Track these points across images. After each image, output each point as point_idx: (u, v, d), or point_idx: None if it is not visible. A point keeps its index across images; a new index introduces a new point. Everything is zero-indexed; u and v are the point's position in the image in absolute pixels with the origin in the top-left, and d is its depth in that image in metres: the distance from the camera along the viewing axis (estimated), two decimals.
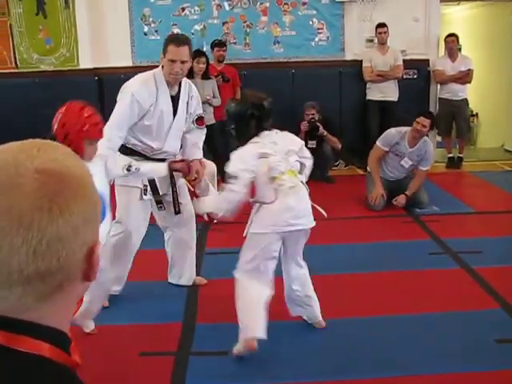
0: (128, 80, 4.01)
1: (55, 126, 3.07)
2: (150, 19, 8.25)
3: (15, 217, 0.79)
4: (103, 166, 3.37)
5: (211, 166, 6.16)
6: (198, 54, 7.15)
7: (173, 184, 4.11)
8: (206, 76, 7.10)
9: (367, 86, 8.23)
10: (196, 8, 8.27)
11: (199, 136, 4.35)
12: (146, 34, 8.27)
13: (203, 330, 3.80)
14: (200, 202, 3.72)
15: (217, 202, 3.58)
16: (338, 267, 4.75)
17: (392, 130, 6.42)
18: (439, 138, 8.82)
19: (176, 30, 8.24)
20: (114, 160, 3.59)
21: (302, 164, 3.70)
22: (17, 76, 8.08)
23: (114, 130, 3.71)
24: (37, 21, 8.06)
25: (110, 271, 3.63)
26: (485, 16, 10.44)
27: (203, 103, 6.95)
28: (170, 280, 4.45)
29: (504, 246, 5.30)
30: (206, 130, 4.50)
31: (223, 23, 8.34)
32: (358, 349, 3.54)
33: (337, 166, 8.30)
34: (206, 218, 5.28)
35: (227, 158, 3.54)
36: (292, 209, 3.47)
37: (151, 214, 4.27)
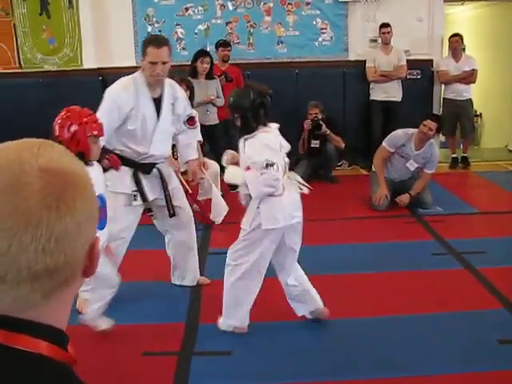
0: None
1: (63, 130, 3.22)
2: (154, 19, 8.25)
3: (24, 215, 0.80)
4: (101, 168, 3.47)
5: (214, 166, 6.16)
6: (202, 53, 7.16)
7: (164, 187, 4.09)
8: (209, 76, 7.10)
9: (371, 86, 8.22)
10: (200, 8, 8.27)
11: (192, 136, 4.34)
12: (149, 34, 8.27)
13: (206, 330, 3.80)
14: (234, 173, 3.58)
15: (259, 184, 3.44)
16: (341, 267, 4.75)
17: (399, 132, 6.40)
18: (442, 138, 8.81)
19: (180, 30, 8.26)
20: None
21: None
22: (20, 76, 8.09)
23: None
24: (40, 21, 8.08)
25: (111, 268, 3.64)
26: (489, 16, 10.42)
27: (207, 103, 6.99)
28: (173, 281, 4.45)
29: (507, 246, 5.29)
30: (199, 129, 4.49)
31: (227, 23, 8.34)
32: (359, 349, 3.53)
33: (340, 166, 8.30)
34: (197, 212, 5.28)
35: None
36: (296, 202, 3.60)
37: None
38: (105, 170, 3.64)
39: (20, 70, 8.17)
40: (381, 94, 8.12)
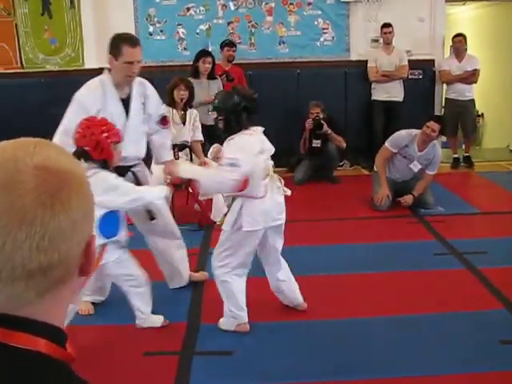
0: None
1: (85, 139, 3.34)
2: (156, 19, 8.25)
3: (18, 213, 0.81)
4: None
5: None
6: (203, 53, 7.15)
7: None
8: (211, 76, 7.10)
9: (372, 86, 8.22)
10: (201, 8, 8.27)
11: (165, 136, 4.25)
12: (151, 34, 8.28)
13: (207, 329, 3.80)
14: (189, 169, 3.80)
15: (210, 180, 3.62)
16: (342, 267, 4.75)
17: (402, 132, 6.39)
18: (444, 138, 8.79)
19: (181, 30, 8.26)
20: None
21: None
22: (22, 76, 8.10)
23: (64, 138, 3.56)
24: (42, 21, 8.08)
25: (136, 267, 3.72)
26: (490, 16, 10.42)
27: (208, 103, 6.99)
28: (170, 287, 4.39)
29: (509, 246, 5.28)
30: (171, 128, 4.44)
31: (228, 23, 8.34)
32: (360, 349, 3.53)
33: (342, 166, 8.30)
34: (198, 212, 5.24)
35: None
36: (279, 205, 3.67)
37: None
38: None
39: (22, 70, 8.18)
40: (382, 94, 8.12)
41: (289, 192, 3.75)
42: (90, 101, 3.75)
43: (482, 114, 10.92)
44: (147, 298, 3.77)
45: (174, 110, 5.88)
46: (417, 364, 3.37)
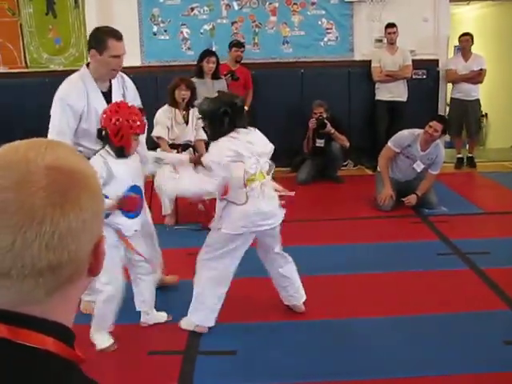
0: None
1: (109, 122, 3.39)
2: (159, 19, 8.27)
3: (29, 212, 0.82)
4: (139, 160, 3.62)
5: None
6: (208, 53, 7.16)
7: None
8: (215, 76, 7.10)
9: (376, 86, 8.21)
10: (205, 8, 8.28)
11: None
12: (155, 34, 8.29)
13: (211, 329, 3.80)
14: (173, 184, 3.76)
15: (191, 184, 3.62)
16: (346, 267, 4.75)
17: (405, 132, 6.39)
18: (448, 138, 8.79)
19: (185, 30, 8.27)
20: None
21: (269, 165, 3.71)
22: (27, 76, 8.13)
23: (61, 138, 3.46)
24: (47, 20, 8.11)
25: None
26: (494, 16, 10.41)
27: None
28: None
29: None
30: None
31: (232, 23, 8.34)
32: (362, 349, 3.54)
33: (345, 165, 8.30)
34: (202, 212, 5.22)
35: None
36: (263, 213, 3.58)
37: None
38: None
39: (26, 70, 8.20)
40: (386, 94, 8.11)
41: (291, 193, 3.74)
42: (75, 98, 3.70)
43: (486, 114, 10.91)
44: (152, 288, 3.83)
45: (177, 110, 5.88)
46: (419, 364, 3.36)
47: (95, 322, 3.54)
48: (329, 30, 8.40)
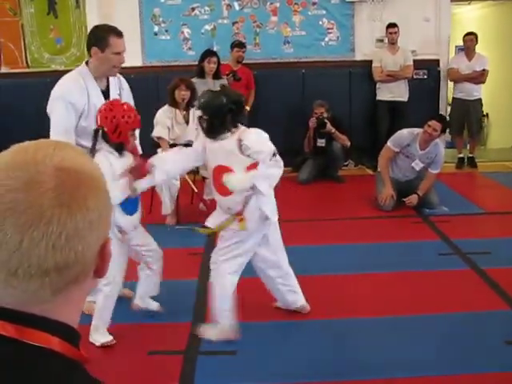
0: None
1: (106, 121, 3.44)
2: (160, 19, 8.27)
3: (36, 212, 0.83)
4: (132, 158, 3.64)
5: None
6: (209, 53, 7.16)
7: None
8: (217, 76, 7.10)
9: (377, 86, 8.21)
10: (206, 8, 8.28)
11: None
12: (156, 34, 8.29)
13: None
14: (239, 178, 3.46)
15: (266, 179, 3.44)
16: (346, 267, 4.75)
17: (404, 131, 6.39)
18: (448, 138, 8.78)
19: (186, 30, 8.27)
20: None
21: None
22: (28, 76, 8.13)
23: (67, 137, 3.52)
24: (48, 20, 8.11)
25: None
26: (496, 15, 10.40)
27: None
28: None
29: None
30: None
31: (233, 23, 8.34)
32: (362, 349, 3.54)
33: (346, 165, 8.30)
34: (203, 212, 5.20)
35: None
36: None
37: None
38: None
39: (27, 70, 8.21)
40: (387, 94, 8.11)
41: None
42: (76, 96, 3.69)
43: (487, 114, 10.90)
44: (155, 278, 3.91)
45: (177, 110, 5.88)
46: (419, 365, 3.36)
47: (94, 320, 3.59)
48: (330, 30, 8.40)
